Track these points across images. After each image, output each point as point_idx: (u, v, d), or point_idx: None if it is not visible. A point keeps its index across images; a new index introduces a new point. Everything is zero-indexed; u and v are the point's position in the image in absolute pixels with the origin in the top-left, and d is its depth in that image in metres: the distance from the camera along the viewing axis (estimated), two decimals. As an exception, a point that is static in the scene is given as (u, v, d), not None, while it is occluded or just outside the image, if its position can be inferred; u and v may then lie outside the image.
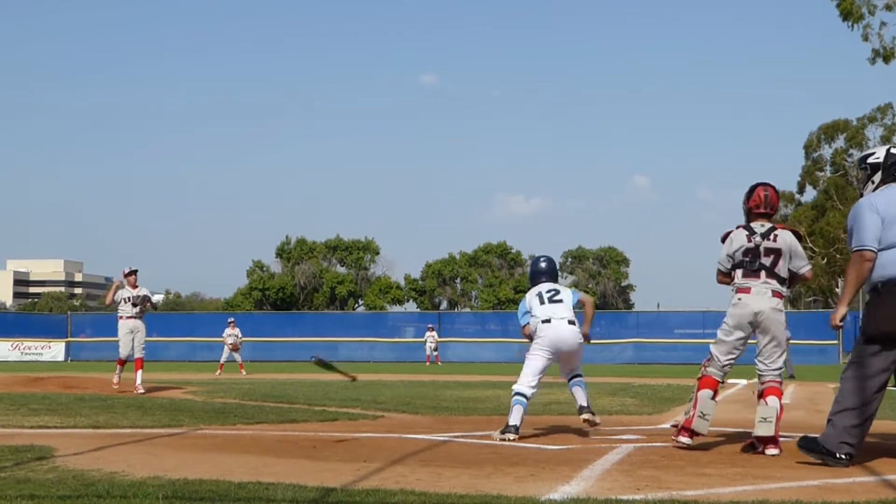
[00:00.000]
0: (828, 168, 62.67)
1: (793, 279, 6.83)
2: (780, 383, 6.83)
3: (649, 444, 7.04)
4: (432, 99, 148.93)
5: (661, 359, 38.95)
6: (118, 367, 14.44)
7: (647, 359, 39.32)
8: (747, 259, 6.68)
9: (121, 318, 14.31)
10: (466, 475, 5.30)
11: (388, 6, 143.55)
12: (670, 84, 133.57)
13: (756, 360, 6.81)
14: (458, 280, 79.92)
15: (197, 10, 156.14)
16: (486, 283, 78.17)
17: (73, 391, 13.43)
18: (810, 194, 64.85)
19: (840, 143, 61.91)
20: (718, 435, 7.91)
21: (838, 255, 57.88)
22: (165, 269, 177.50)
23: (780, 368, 6.80)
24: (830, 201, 60.05)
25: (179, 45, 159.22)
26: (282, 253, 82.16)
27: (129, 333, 14.23)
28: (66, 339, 43.21)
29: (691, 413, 6.69)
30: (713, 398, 6.74)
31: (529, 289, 8.28)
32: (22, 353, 41.13)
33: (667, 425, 8.98)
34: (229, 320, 29.40)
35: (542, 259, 8.52)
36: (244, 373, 25.60)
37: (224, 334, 28.09)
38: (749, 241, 6.69)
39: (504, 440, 7.16)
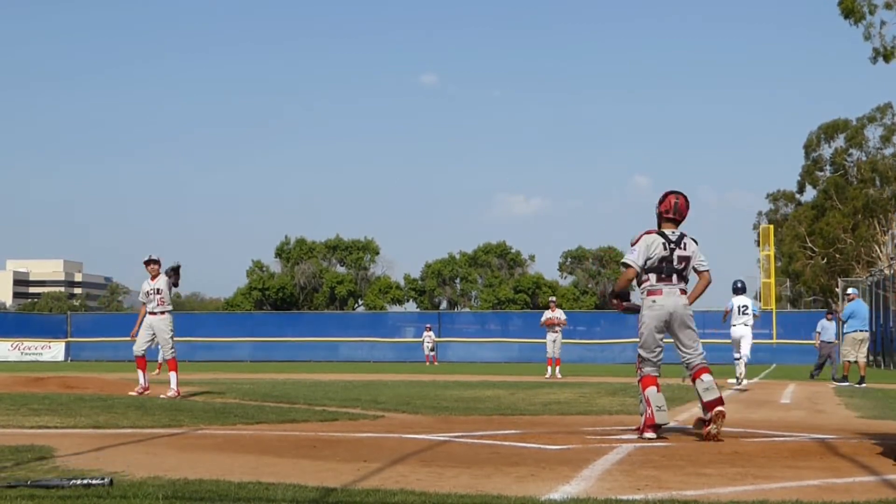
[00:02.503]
0: (828, 168, 62.66)
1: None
2: (706, 362, 7.54)
3: (649, 444, 7.04)
4: (432, 99, 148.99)
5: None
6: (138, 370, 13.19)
7: (647, 358, 39.26)
8: (663, 265, 7.44)
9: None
10: (467, 475, 5.30)
11: (388, 6, 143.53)
12: (670, 84, 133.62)
13: (680, 352, 7.55)
14: (457, 280, 79.91)
15: (197, 10, 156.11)
16: (486, 283, 78.14)
17: (73, 391, 13.41)
18: (810, 194, 64.89)
19: (840, 142, 61.92)
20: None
21: (838, 255, 57.90)
22: (165, 268, 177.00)
23: (703, 352, 7.56)
24: (830, 201, 60.04)
25: (179, 45, 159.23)
26: (281, 253, 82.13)
27: (147, 330, 13.06)
28: (66, 339, 43.23)
29: (648, 411, 7.26)
30: (658, 391, 7.36)
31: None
32: (22, 353, 41.15)
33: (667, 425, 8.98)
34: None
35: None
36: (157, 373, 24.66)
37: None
38: (665, 249, 7.44)
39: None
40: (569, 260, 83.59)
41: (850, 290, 21.38)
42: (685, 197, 7.65)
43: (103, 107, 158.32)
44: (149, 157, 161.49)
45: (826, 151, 62.62)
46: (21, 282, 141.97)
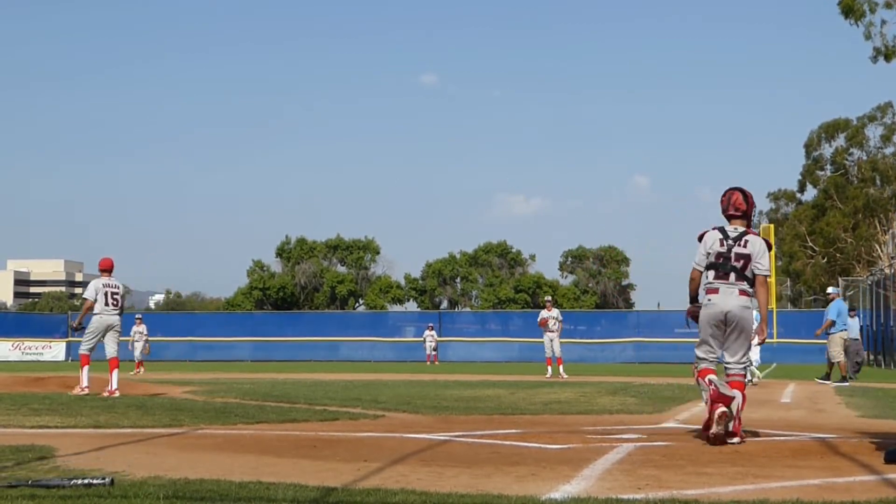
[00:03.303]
0: (828, 167, 62.65)
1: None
2: (744, 377, 7.28)
3: (650, 444, 7.04)
4: (432, 99, 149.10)
5: (661, 358, 38.94)
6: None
7: (648, 358, 39.33)
8: (719, 262, 7.17)
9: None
10: (467, 475, 5.30)
11: (387, 6, 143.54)
12: (670, 84, 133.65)
13: (723, 354, 7.27)
14: (458, 279, 79.87)
15: (197, 10, 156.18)
16: (487, 283, 78.09)
17: (74, 391, 13.40)
18: (811, 193, 64.87)
19: (840, 142, 61.93)
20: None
21: (838, 255, 57.89)
22: (166, 268, 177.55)
23: (745, 363, 7.27)
24: (830, 200, 60.04)
25: (179, 45, 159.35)
26: (282, 252, 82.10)
27: (101, 331, 13.06)
28: (67, 339, 43.22)
29: (711, 388, 6.90)
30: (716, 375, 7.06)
31: None
32: (23, 352, 41.16)
33: (667, 424, 8.99)
34: (136, 317, 27.98)
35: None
36: (141, 371, 24.44)
37: (132, 332, 26.49)
38: (722, 245, 7.18)
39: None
40: (569, 259, 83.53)
41: (830, 290, 21.39)
42: (742, 191, 7.34)
43: (103, 107, 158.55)
44: (149, 157, 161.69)
45: (826, 151, 62.66)
46: (22, 282, 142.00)
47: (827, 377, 18.93)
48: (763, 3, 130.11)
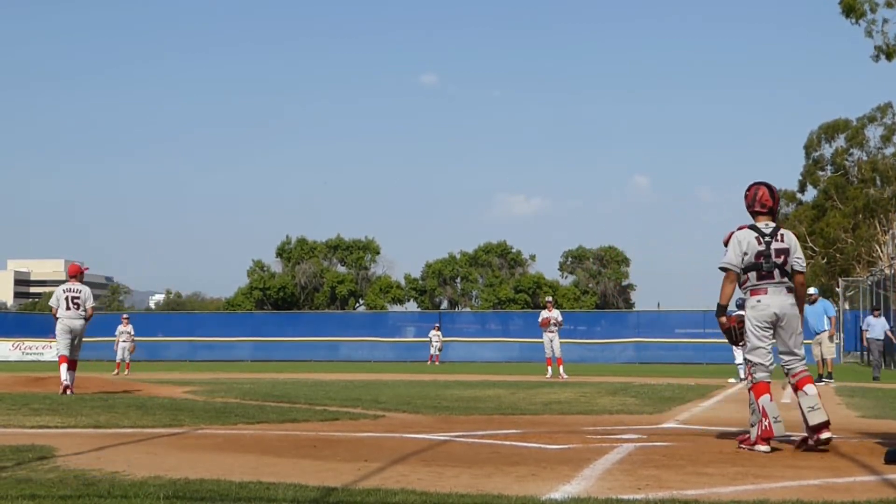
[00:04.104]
0: (828, 168, 62.59)
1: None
2: (809, 372, 6.96)
3: (650, 444, 7.04)
4: (432, 99, 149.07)
5: (661, 358, 38.96)
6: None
7: (648, 358, 39.32)
8: (761, 261, 6.82)
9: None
10: (467, 475, 5.30)
11: (388, 6, 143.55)
12: (670, 84, 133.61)
13: (781, 356, 6.93)
14: (458, 280, 79.86)
15: (197, 10, 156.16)
16: (487, 283, 78.07)
17: (74, 391, 13.40)
18: (811, 194, 64.84)
19: (840, 142, 61.85)
20: (718, 435, 7.91)
21: (839, 255, 57.86)
22: (166, 268, 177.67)
23: (805, 358, 6.94)
24: (830, 201, 60.00)
25: (179, 45, 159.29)
26: (282, 252, 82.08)
27: (70, 333, 13.48)
28: (67, 339, 43.15)
29: (765, 423, 6.60)
30: (772, 400, 6.75)
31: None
32: (23, 352, 41.13)
33: (668, 425, 8.99)
34: (123, 317, 27.94)
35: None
36: (126, 372, 24.57)
37: (117, 331, 26.62)
38: (759, 243, 6.84)
39: None
40: (569, 259, 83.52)
41: (812, 290, 21.50)
42: (768, 186, 7.07)
43: (103, 106, 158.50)
44: (149, 157, 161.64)
45: (826, 151, 62.57)
46: (22, 281, 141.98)
47: (821, 378, 19.11)
48: (763, 3, 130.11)
